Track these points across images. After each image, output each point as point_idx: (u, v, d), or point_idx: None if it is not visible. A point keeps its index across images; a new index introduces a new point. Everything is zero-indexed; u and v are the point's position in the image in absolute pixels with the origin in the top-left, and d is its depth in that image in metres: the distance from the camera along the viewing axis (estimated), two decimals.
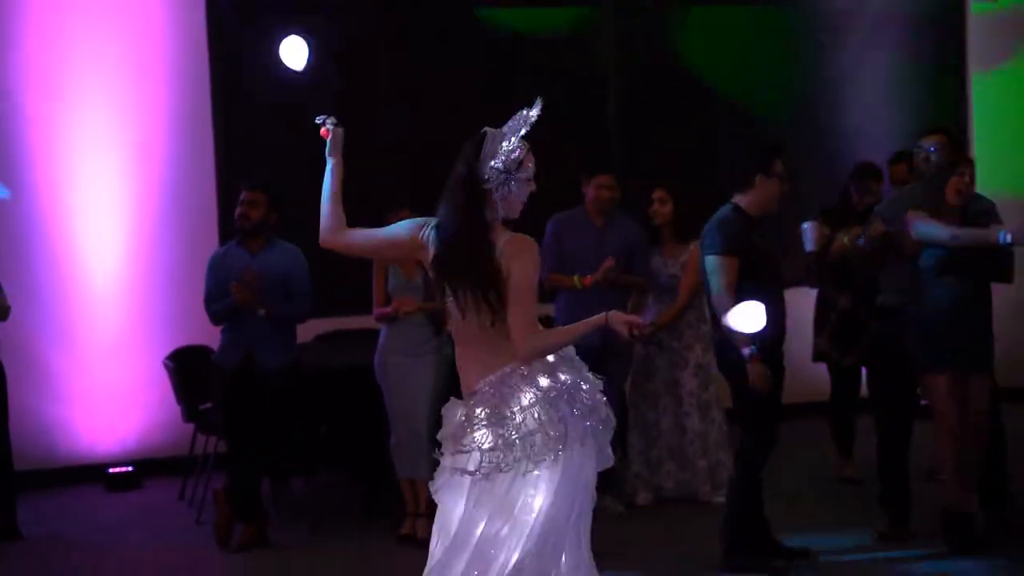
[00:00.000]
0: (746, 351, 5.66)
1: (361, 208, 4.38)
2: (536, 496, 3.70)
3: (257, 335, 6.68)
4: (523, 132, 3.89)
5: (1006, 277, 6.09)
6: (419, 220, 3.96)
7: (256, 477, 6.77)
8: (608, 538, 5.91)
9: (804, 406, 8.16)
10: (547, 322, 7.07)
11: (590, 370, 4.35)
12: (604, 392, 4.27)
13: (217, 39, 8.53)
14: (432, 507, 4.14)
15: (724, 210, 5.94)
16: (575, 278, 6.75)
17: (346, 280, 7.28)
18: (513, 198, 3.85)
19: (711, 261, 5.84)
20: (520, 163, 3.86)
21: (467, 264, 3.76)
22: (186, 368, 7.49)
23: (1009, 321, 6.80)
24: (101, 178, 8.32)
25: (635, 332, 3.93)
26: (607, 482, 6.59)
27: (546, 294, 6.99)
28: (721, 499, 6.69)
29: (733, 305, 5.32)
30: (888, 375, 6.49)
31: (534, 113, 3.88)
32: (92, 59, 8.41)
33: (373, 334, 6.96)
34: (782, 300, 5.88)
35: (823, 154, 8.32)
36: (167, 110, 8.56)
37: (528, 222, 4.24)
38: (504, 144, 3.87)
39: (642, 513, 7.04)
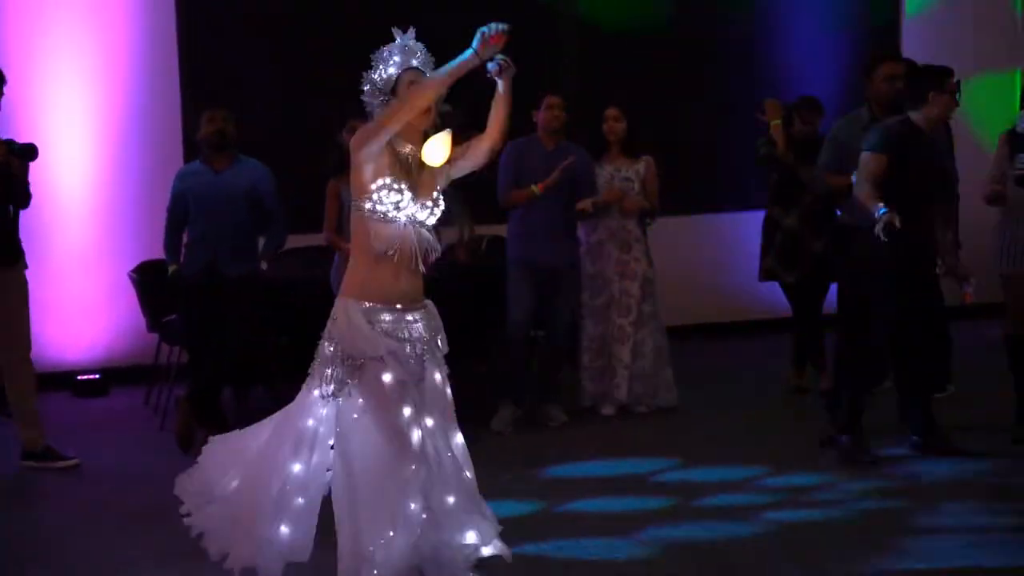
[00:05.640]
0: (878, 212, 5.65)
1: None
2: None
3: (219, 245, 6.87)
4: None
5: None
6: None
7: (217, 385, 6.89)
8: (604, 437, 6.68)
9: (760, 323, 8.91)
10: (499, 241, 7.50)
11: (544, 291, 5.79)
12: (555, 311, 5.70)
13: None
14: None
15: (893, 119, 5.98)
16: (532, 187, 6.96)
17: (301, 200, 7.50)
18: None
19: (863, 156, 5.89)
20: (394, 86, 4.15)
21: None
22: (150, 281, 7.62)
23: None
24: (69, 100, 8.43)
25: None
26: (551, 393, 7.09)
27: (500, 213, 7.24)
28: (645, 409, 7.02)
29: (873, 197, 5.60)
30: (823, 291, 6.95)
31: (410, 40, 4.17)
32: None
33: (326, 250, 7.14)
34: (926, 211, 5.87)
35: (767, 86, 8.41)
36: (131, 34, 8.61)
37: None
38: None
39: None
